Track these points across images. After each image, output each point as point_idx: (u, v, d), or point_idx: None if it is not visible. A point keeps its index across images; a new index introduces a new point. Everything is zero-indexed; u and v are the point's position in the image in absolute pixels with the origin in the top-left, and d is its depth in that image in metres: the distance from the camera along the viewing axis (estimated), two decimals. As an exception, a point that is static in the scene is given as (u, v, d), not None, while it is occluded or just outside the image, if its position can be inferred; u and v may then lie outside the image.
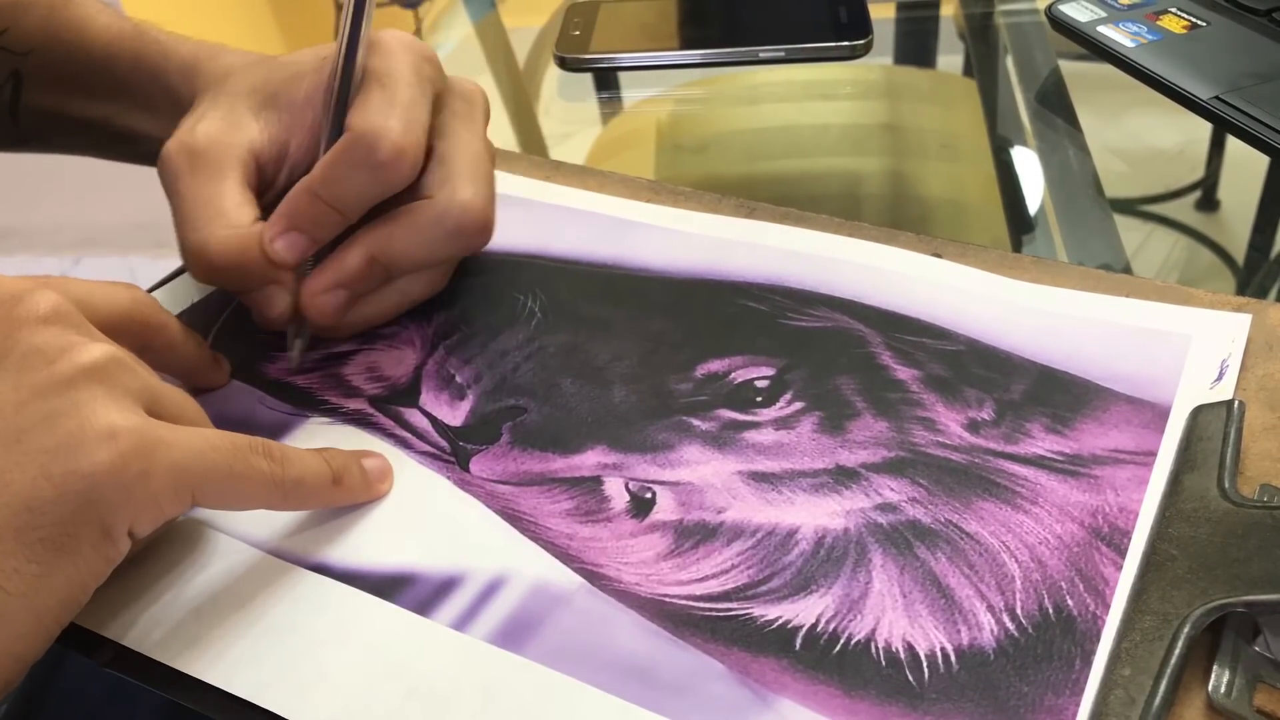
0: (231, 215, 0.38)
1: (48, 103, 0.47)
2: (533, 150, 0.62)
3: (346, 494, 0.34)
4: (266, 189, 0.40)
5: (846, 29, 0.60)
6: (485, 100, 0.42)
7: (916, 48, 0.84)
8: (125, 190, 1.93)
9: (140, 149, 0.46)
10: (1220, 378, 0.36)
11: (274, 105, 0.40)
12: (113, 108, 0.45)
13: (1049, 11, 0.62)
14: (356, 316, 0.40)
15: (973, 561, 0.31)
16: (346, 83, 0.38)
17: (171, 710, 0.40)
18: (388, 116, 0.37)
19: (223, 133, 0.39)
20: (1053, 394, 0.36)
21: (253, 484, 0.31)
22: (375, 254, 0.38)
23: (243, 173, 0.39)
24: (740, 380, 0.38)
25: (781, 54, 0.59)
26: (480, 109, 0.42)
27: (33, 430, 0.27)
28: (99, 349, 0.29)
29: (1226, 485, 0.31)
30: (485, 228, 0.39)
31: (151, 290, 0.44)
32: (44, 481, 0.27)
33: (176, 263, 0.45)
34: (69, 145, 0.50)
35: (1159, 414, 0.35)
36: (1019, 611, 0.30)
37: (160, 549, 0.33)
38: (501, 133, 0.61)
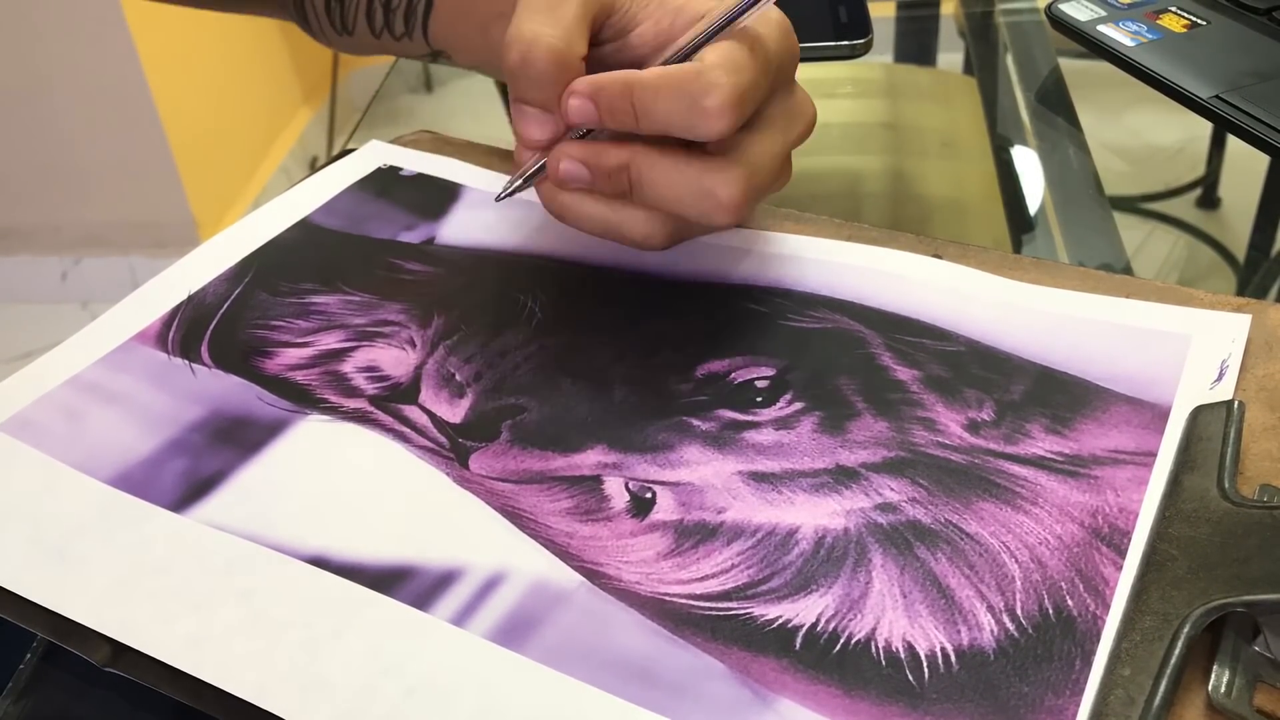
0: (570, 31, 0.39)
1: (448, 14, 0.49)
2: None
3: None
4: (600, 44, 0.41)
5: (846, 29, 0.60)
6: (813, 120, 0.42)
7: (917, 46, 0.85)
8: (125, 190, 1.94)
9: None
10: (1220, 378, 0.36)
11: None
12: (502, 4, 0.46)
13: (1049, 10, 0.62)
14: (568, 205, 0.40)
15: (973, 562, 0.31)
16: (728, 21, 0.38)
17: (171, 709, 0.40)
18: (739, 75, 0.37)
19: None
20: (1052, 394, 0.36)
21: None
22: (630, 165, 0.39)
23: (595, 9, 0.40)
24: (740, 380, 0.38)
25: (781, 53, 0.59)
26: (799, 128, 0.42)
27: None
28: None
29: (1226, 485, 0.31)
30: (730, 211, 0.39)
31: (151, 280, 0.44)
32: None
33: (175, 261, 0.45)
34: (470, 54, 0.51)
35: (1159, 414, 0.35)
36: (1019, 612, 0.30)
37: (157, 546, 0.33)
38: (502, 133, 0.61)
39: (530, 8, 0.39)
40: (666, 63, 0.39)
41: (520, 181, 0.41)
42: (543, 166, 0.40)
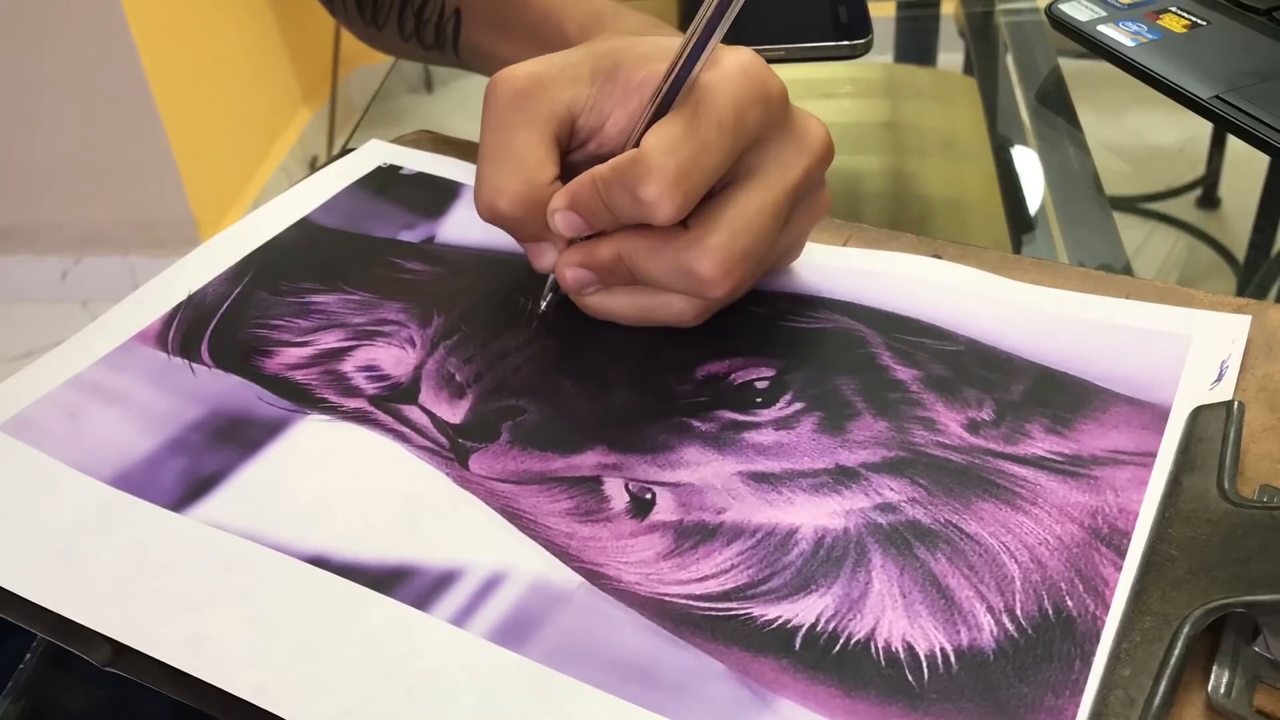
0: (531, 171, 0.39)
1: (477, 39, 0.52)
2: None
3: None
4: (577, 148, 0.41)
5: (846, 28, 0.60)
6: (823, 148, 0.39)
7: (917, 46, 0.85)
8: (125, 190, 1.94)
9: None
10: (1220, 378, 0.36)
11: (613, 77, 0.40)
12: (523, 50, 0.46)
13: (1049, 10, 0.62)
14: (600, 305, 0.40)
15: (972, 562, 0.31)
16: (672, 93, 0.36)
17: (171, 709, 0.40)
18: (674, 154, 0.35)
19: (552, 81, 0.39)
20: (1053, 395, 0.36)
21: None
22: (622, 255, 0.38)
23: (555, 126, 0.39)
24: (740, 381, 0.38)
25: (781, 54, 0.59)
26: (806, 159, 0.39)
27: None
28: None
29: (1226, 486, 0.31)
30: (715, 285, 0.37)
31: (151, 281, 0.44)
32: None
33: (175, 261, 0.45)
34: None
35: (1159, 415, 0.35)
36: (1019, 612, 0.30)
37: (157, 546, 0.33)
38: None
39: (487, 158, 0.39)
40: (631, 146, 0.37)
41: (550, 299, 0.42)
42: None
